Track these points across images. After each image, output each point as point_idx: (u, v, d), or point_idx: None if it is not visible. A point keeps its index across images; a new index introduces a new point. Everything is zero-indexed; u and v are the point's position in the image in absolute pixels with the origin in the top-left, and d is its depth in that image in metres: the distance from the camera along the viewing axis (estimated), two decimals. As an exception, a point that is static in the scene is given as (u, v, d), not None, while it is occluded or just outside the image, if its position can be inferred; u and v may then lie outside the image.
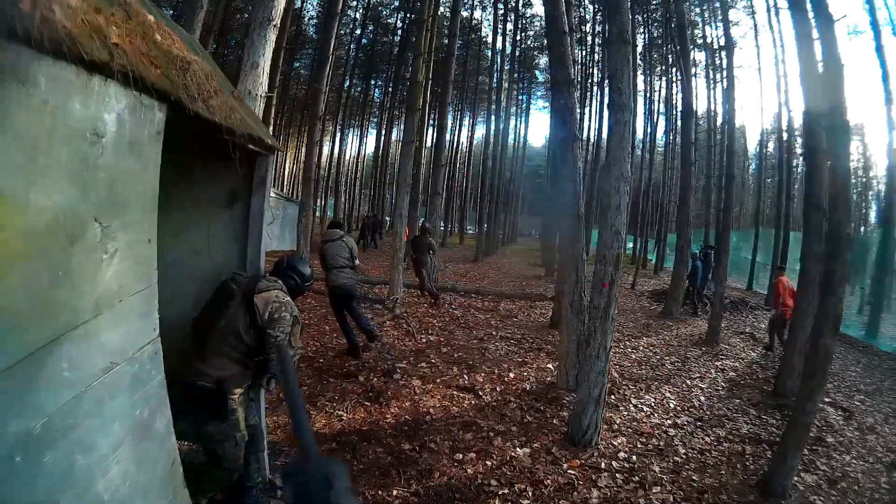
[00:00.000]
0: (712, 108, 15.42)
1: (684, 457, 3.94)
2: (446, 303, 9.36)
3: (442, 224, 27.19)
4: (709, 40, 17.04)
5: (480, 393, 4.81)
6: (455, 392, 4.80)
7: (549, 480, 3.32)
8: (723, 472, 3.76)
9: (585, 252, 6.05)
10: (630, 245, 23.13)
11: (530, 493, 3.15)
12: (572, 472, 3.48)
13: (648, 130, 23.72)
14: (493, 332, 7.33)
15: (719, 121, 17.61)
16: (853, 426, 5.08)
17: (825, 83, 3.40)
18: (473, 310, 8.99)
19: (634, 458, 3.79)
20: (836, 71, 3.41)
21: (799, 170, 23.34)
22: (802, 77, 4.53)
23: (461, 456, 3.54)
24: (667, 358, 6.95)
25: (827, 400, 5.56)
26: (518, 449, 3.74)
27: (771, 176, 23.23)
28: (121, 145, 1.19)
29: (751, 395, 5.70)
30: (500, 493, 3.12)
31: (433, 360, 5.68)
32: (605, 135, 23.41)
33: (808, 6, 4.07)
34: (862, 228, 24.30)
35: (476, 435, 3.90)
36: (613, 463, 3.68)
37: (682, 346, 7.75)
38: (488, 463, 3.49)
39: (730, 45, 10.97)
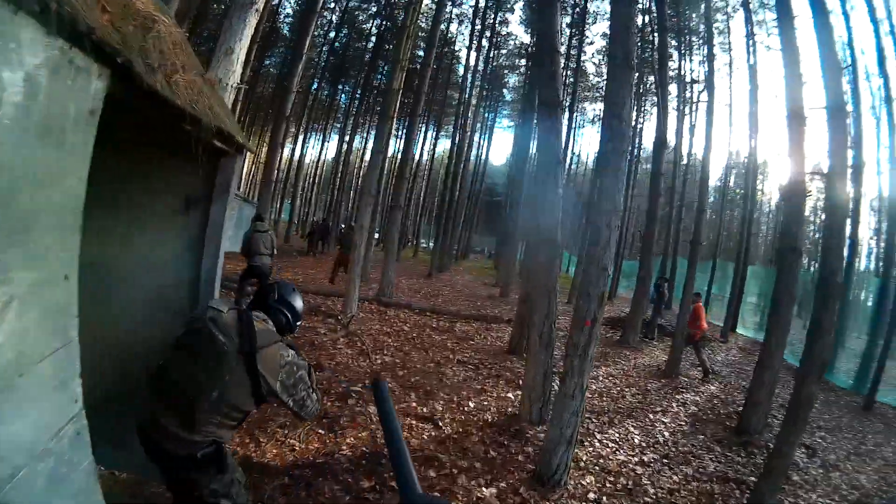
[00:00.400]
0: (680, 140, 15.68)
1: (654, 497, 3.83)
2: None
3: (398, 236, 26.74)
4: (682, 73, 17.43)
5: (440, 423, 4.51)
6: (414, 422, 4.48)
7: (518, 527, 3.06)
8: (693, 515, 3.63)
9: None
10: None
11: (500, 542, 2.88)
12: (543, 517, 3.23)
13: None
14: (450, 356, 7.05)
15: (685, 151, 18.08)
16: (817, 464, 5.15)
17: (832, 126, 3.35)
18: (429, 329, 8.68)
19: (604, 499, 3.64)
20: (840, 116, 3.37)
21: (760, 205, 23.97)
22: (789, 120, 4.52)
23: (425, 498, 3.21)
24: (627, 390, 6.88)
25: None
26: (484, 489, 3.46)
27: (729, 208, 23.95)
28: (28, 127, 0.72)
29: (714, 430, 5.68)
30: (468, 542, 2.84)
31: (390, 385, 5.31)
32: (569, 158, 23.88)
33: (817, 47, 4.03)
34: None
35: (439, 472, 3.60)
36: (583, 505, 3.47)
37: (642, 378, 7.73)
38: (454, 507, 3.18)
39: (711, 86, 11.22)
